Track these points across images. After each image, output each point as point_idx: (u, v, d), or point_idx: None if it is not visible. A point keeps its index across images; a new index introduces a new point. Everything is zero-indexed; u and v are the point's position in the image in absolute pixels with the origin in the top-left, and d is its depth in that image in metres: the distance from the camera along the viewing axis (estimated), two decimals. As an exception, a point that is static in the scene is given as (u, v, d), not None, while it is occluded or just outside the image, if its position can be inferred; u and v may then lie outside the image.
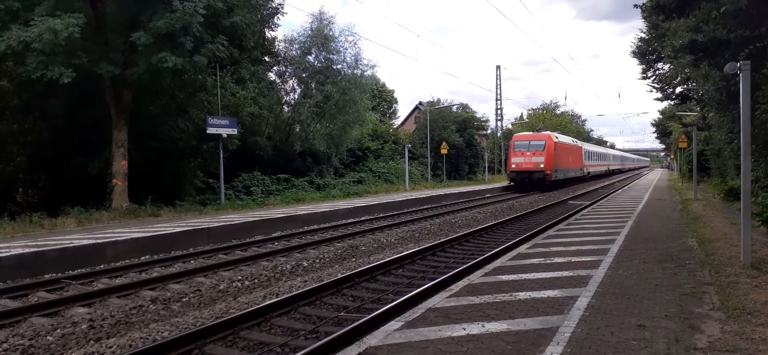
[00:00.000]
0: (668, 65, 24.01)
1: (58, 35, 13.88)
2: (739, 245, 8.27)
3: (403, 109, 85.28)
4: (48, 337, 6.54)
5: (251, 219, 15.27)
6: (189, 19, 15.60)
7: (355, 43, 32.80)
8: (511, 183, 35.28)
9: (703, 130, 29.02)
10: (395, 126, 56.37)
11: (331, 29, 30.16)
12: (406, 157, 35.68)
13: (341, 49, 30.88)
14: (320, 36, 29.88)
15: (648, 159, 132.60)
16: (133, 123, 18.05)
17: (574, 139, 46.27)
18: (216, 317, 7.24)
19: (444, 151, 39.43)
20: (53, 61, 14.54)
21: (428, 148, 40.84)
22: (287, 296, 7.64)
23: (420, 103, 58.26)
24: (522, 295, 6.29)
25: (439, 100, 50.87)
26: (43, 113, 18.68)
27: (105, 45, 16.75)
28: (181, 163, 21.11)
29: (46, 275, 9.55)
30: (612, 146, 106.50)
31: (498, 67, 67.89)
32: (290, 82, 30.97)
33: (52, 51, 14.36)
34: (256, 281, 9.37)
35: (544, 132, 38.91)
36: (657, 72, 26.48)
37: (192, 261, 10.92)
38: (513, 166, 34.97)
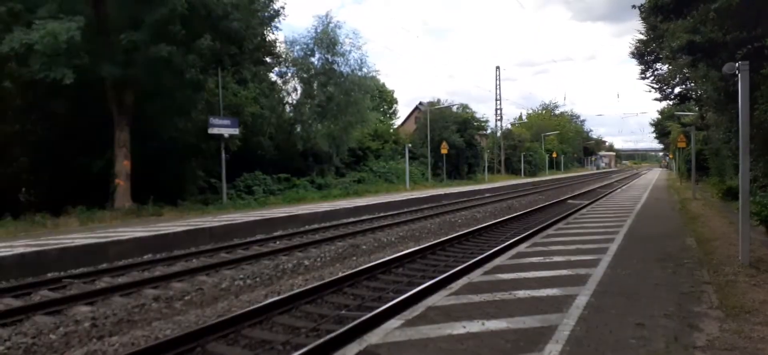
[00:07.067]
0: (667, 66, 24.05)
1: (58, 39, 13.96)
2: (738, 244, 8.30)
3: (402, 110, 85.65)
4: (51, 335, 6.60)
5: (253, 218, 15.32)
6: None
7: (359, 47, 32.99)
8: None
9: (701, 130, 29.04)
10: (395, 126, 56.41)
11: (335, 33, 30.27)
12: (407, 157, 35.71)
13: (345, 51, 31.01)
14: (325, 38, 29.95)
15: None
16: (135, 123, 18.11)
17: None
18: (218, 316, 7.29)
19: (444, 151, 39.47)
20: (56, 61, 14.60)
21: (428, 148, 40.87)
22: (289, 294, 7.69)
23: (420, 103, 58.30)
24: (521, 293, 6.33)
25: (438, 101, 50.87)
26: (45, 114, 18.72)
27: (106, 45, 16.81)
28: (183, 163, 21.16)
29: (48, 274, 9.59)
30: None
31: (497, 68, 67.95)
32: (292, 82, 31.07)
33: (54, 53, 14.42)
34: (257, 279, 9.43)
35: None
36: (656, 72, 26.47)
37: (194, 260, 10.97)
38: None
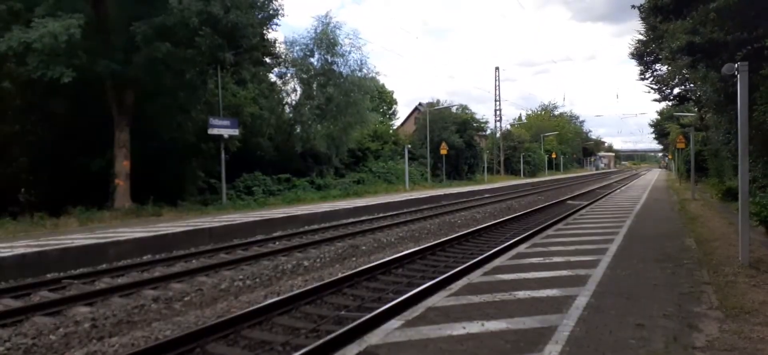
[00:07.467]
0: (666, 67, 24.08)
1: (58, 38, 13.95)
2: (737, 244, 8.31)
3: (402, 110, 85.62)
4: (50, 336, 6.60)
5: (252, 219, 15.32)
6: (188, 14, 15.68)
7: (359, 48, 33.01)
8: None
9: (700, 131, 29.09)
10: (395, 127, 56.43)
11: (335, 33, 30.30)
12: (406, 158, 35.73)
13: (345, 52, 31.05)
14: (325, 38, 29.97)
15: None
16: (135, 123, 18.11)
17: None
18: (217, 316, 7.29)
19: (443, 151, 39.50)
20: (54, 60, 14.59)
21: (428, 148, 40.89)
22: (288, 295, 7.69)
23: (420, 104, 58.32)
24: (521, 294, 6.34)
25: (438, 101, 50.90)
26: (45, 114, 18.73)
27: (106, 44, 16.79)
28: (182, 163, 21.17)
29: (48, 275, 9.58)
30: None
31: (497, 68, 67.81)
32: (291, 83, 31.09)
33: (53, 51, 14.40)
34: (257, 280, 9.43)
35: None
36: (655, 73, 26.53)
37: (194, 260, 10.97)
38: None
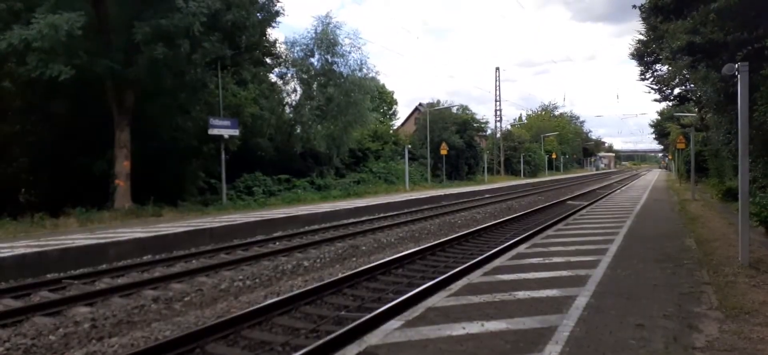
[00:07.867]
0: (666, 67, 24.10)
1: (58, 31, 13.90)
2: (737, 245, 8.31)
3: (402, 110, 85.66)
4: (50, 336, 6.59)
5: (253, 219, 15.32)
6: (192, 20, 15.66)
7: (359, 48, 33.06)
8: None
9: (700, 131, 29.08)
10: (395, 127, 56.44)
11: (335, 34, 30.31)
12: (406, 158, 35.73)
13: (345, 52, 31.07)
14: (325, 39, 29.99)
15: None
16: (135, 124, 18.11)
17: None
18: (217, 317, 7.29)
19: (444, 152, 39.50)
20: (53, 59, 14.59)
21: (428, 149, 40.89)
22: (288, 295, 7.69)
23: (420, 104, 58.32)
24: (521, 294, 6.33)
25: (438, 102, 50.90)
26: (45, 114, 18.73)
27: (106, 44, 16.79)
28: (183, 163, 21.17)
29: (48, 275, 9.58)
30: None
31: (497, 69, 67.73)
32: (291, 83, 31.11)
33: (53, 49, 14.39)
34: (257, 280, 9.43)
35: None
36: (655, 73, 26.55)
37: (194, 261, 10.96)
38: None
